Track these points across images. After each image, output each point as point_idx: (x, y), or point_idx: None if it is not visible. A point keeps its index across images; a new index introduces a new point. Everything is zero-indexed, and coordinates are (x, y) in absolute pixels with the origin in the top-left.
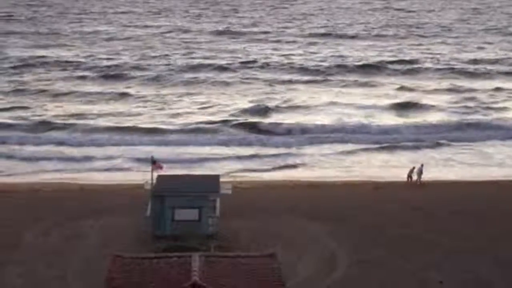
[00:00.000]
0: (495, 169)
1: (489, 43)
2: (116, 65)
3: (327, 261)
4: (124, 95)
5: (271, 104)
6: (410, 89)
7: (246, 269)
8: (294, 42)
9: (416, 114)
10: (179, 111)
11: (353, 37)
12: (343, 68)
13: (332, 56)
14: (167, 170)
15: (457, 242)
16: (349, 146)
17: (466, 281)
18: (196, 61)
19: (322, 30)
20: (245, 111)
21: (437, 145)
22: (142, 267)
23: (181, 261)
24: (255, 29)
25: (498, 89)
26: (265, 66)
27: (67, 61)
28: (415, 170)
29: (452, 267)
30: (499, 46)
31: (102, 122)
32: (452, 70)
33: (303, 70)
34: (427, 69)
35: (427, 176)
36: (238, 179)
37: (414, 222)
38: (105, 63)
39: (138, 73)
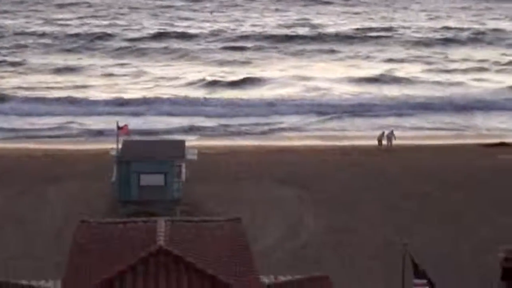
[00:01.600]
0: (464, 135)
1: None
2: (76, 34)
3: (293, 226)
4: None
5: (236, 76)
6: (385, 60)
7: (211, 234)
8: (265, 9)
9: (389, 85)
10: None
11: (326, 2)
12: (314, 36)
13: (304, 23)
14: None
15: (422, 206)
16: (316, 115)
17: (430, 243)
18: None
19: None
20: (211, 83)
21: (409, 114)
22: (108, 232)
23: (147, 226)
24: None
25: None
26: (233, 35)
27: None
28: (385, 135)
29: (417, 230)
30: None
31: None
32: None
33: (274, 39)
34: (404, 39)
35: (397, 141)
36: (204, 144)
37: (380, 186)
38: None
39: (101, 44)
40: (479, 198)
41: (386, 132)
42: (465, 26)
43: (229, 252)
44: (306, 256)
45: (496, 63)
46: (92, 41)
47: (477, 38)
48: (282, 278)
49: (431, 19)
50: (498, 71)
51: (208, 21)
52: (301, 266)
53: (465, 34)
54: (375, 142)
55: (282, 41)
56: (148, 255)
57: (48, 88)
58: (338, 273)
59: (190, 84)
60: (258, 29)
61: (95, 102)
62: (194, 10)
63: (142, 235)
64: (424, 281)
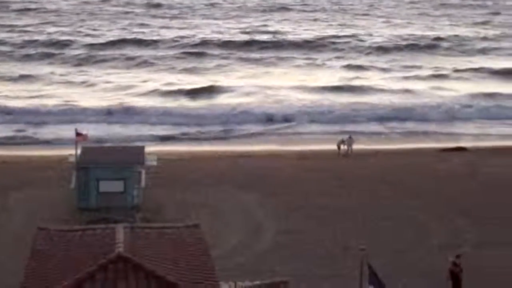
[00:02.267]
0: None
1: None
2: (34, 41)
3: (253, 231)
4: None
5: (195, 84)
6: (344, 67)
7: (170, 240)
8: (226, 17)
9: (348, 92)
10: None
11: (287, 8)
12: (274, 43)
13: (264, 30)
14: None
15: (378, 211)
16: (274, 122)
17: (386, 248)
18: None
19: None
20: (171, 91)
21: (368, 120)
22: (66, 239)
23: (106, 233)
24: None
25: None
26: (196, 42)
27: None
28: (344, 140)
29: (373, 234)
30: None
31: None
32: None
33: (234, 46)
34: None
35: (357, 146)
36: (164, 150)
37: (338, 191)
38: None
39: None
40: (436, 201)
41: (345, 138)
42: (425, 32)
43: (188, 259)
44: (266, 261)
45: (456, 70)
46: (50, 48)
47: (436, 45)
48: (241, 284)
49: (390, 26)
50: (457, 78)
51: (167, 28)
52: (261, 271)
53: (424, 41)
54: (334, 148)
55: (242, 47)
56: (107, 262)
57: (5, 96)
58: (298, 278)
59: (150, 92)
60: (218, 36)
61: (53, 110)
62: (153, 16)
63: (101, 242)
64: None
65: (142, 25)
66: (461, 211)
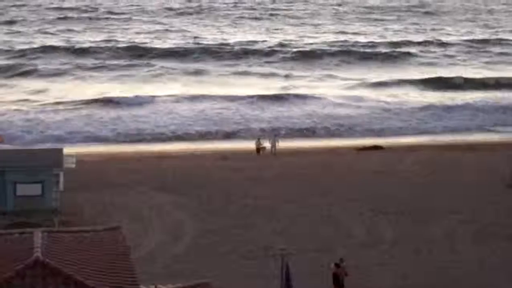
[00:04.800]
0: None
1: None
2: None
3: (174, 232)
4: None
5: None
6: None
7: (90, 244)
8: (176, 19)
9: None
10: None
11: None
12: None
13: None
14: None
15: (298, 210)
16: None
17: (307, 247)
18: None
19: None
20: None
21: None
22: None
23: (23, 238)
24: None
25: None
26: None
27: None
28: (270, 141)
29: (294, 232)
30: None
31: None
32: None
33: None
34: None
35: (281, 146)
36: (82, 152)
37: (259, 191)
38: None
39: None
40: (354, 199)
41: (270, 137)
42: (377, 40)
43: (108, 262)
44: (187, 263)
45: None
46: None
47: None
48: (162, 287)
49: (342, 33)
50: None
51: (103, 33)
52: (183, 273)
53: (375, 50)
54: (256, 146)
55: (183, 57)
56: (24, 267)
57: None
58: (220, 278)
59: (90, 101)
60: (164, 45)
61: None
62: (89, 23)
63: (19, 247)
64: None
65: (77, 31)
66: (378, 209)
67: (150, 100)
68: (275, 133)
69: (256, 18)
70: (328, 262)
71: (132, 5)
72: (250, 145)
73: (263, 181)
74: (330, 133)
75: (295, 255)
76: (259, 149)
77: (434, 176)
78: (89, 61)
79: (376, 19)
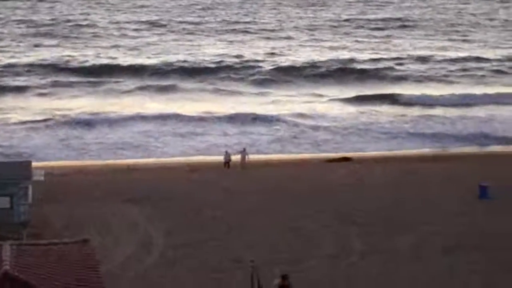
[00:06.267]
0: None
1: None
2: None
3: (143, 245)
4: None
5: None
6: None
7: (59, 257)
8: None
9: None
10: None
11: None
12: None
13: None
14: None
15: (267, 222)
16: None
17: (277, 259)
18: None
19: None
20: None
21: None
22: None
23: None
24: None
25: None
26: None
27: None
28: (237, 153)
29: (263, 244)
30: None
31: None
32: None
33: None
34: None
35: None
36: (51, 165)
37: (227, 203)
38: None
39: None
40: (323, 211)
41: (239, 151)
42: (347, 56)
43: (77, 275)
44: (156, 276)
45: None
46: None
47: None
48: None
49: (315, 48)
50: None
51: (68, 48)
52: (152, 286)
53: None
54: (225, 160)
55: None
56: None
57: None
58: None
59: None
60: (132, 61)
61: None
62: (51, 38)
63: None
64: None
65: None
66: (348, 220)
67: (116, 117)
68: (243, 147)
69: (227, 31)
70: (299, 273)
71: (99, 20)
72: (219, 158)
73: (231, 193)
74: (300, 146)
75: (264, 267)
76: (227, 162)
77: (403, 187)
78: (53, 78)
79: (347, 33)
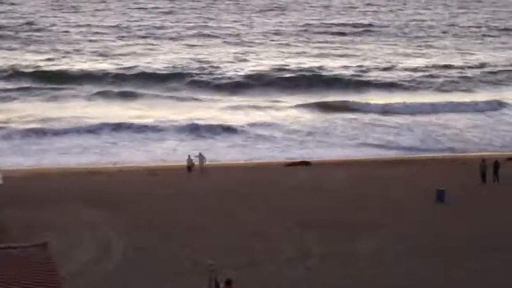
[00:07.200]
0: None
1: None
2: None
3: (103, 249)
4: None
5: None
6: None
7: (18, 260)
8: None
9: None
10: None
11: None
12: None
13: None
14: None
15: (226, 225)
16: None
17: (236, 263)
18: None
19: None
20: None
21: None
22: None
23: None
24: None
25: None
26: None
27: None
28: (194, 158)
29: (223, 248)
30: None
31: None
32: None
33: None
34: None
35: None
36: (9, 169)
37: (187, 206)
38: None
39: None
40: (283, 214)
41: (196, 155)
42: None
43: (37, 279)
44: (116, 279)
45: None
46: None
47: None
48: None
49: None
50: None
51: (30, 53)
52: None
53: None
54: (185, 163)
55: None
56: None
57: None
58: None
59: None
60: (90, 68)
61: None
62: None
63: None
64: None
65: None
66: (306, 224)
67: (74, 123)
68: (199, 152)
69: (189, 36)
70: (258, 278)
71: (58, 23)
72: (178, 163)
73: (191, 197)
74: (259, 151)
75: (223, 270)
76: (190, 166)
77: (362, 191)
78: (14, 85)
79: (310, 39)
